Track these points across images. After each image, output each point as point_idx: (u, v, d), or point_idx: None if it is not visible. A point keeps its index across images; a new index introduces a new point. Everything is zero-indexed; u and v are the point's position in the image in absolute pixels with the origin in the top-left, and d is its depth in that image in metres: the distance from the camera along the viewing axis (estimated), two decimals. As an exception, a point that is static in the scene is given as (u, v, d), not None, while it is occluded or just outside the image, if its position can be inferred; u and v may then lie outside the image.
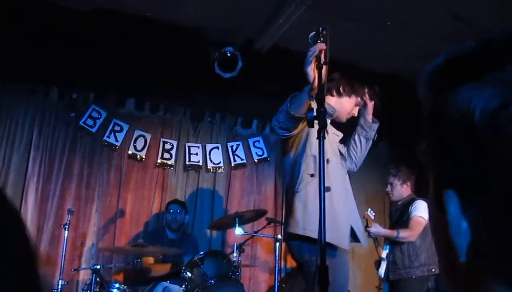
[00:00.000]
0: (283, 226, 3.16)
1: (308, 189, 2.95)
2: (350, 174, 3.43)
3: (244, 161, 6.17)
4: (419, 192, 4.82)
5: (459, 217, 0.53)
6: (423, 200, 4.59)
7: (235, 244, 4.90)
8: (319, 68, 2.52)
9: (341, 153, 3.30)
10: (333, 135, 3.27)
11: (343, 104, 3.30)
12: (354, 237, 3.15)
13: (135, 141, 5.79)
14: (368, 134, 3.38)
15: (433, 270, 4.47)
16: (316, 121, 2.29)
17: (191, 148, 6.00)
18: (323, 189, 2.14)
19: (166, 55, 5.44)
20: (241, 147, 6.18)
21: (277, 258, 4.75)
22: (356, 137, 3.41)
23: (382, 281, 4.90)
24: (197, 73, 5.58)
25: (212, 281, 4.31)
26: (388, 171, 4.94)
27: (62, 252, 4.53)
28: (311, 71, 2.54)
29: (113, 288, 4.42)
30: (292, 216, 2.98)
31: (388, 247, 4.73)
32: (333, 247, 2.88)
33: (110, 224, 5.60)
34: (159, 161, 5.86)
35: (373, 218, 4.64)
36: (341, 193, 3.06)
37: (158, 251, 4.84)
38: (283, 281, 5.58)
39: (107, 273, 5.25)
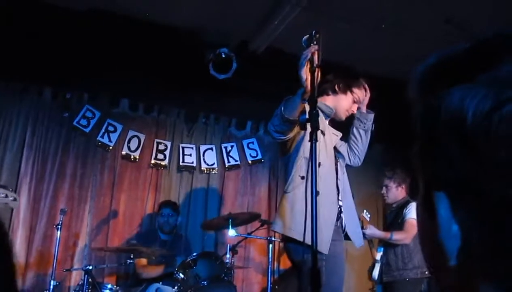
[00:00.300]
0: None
1: (296, 191, 2.97)
2: (355, 168, 3.50)
3: (238, 162, 6.16)
4: (413, 194, 4.83)
5: (449, 220, 0.52)
6: None
7: (228, 245, 4.89)
8: (312, 71, 2.52)
9: (340, 152, 3.31)
10: (332, 136, 3.26)
11: (339, 102, 3.30)
12: (347, 236, 3.17)
13: (128, 142, 5.77)
14: (366, 126, 3.39)
15: (426, 272, 4.48)
16: (308, 124, 2.29)
17: (185, 148, 5.99)
18: (315, 192, 2.14)
19: (161, 56, 5.43)
20: (235, 148, 6.17)
21: (270, 259, 4.75)
22: (355, 130, 3.42)
23: (375, 283, 4.90)
24: (192, 74, 5.57)
25: (205, 283, 4.30)
26: (383, 173, 4.95)
27: (55, 252, 4.51)
28: (304, 74, 2.54)
29: (105, 289, 4.41)
30: (279, 216, 3.04)
31: (382, 249, 4.73)
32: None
33: (103, 224, 5.58)
34: (152, 161, 5.85)
35: (368, 219, 4.65)
36: (332, 197, 3.07)
37: (151, 252, 4.82)
38: (276, 282, 5.57)
39: (99, 274, 5.24)
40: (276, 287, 5.45)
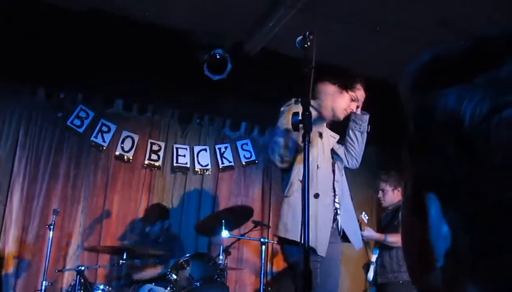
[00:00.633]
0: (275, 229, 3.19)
1: (296, 194, 2.97)
2: (353, 170, 3.51)
3: (232, 164, 6.16)
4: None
5: (440, 221, 0.52)
6: None
7: (221, 246, 4.89)
8: (307, 72, 2.53)
9: (338, 155, 3.31)
10: (330, 138, 3.26)
11: (336, 102, 3.30)
12: (345, 238, 3.17)
13: (122, 142, 5.76)
14: (361, 127, 3.38)
15: None
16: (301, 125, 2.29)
17: (179, 149, 5.98)
18: (307, 194, 2.14)
19: (156, 56, 5.42)
20: (229, 149, 6.17)
21: (263, 261, 4.74)
22: (351, 132, 3.42)
23: (370, 284, 4.91)
24: (186, 75, 5.57)
25: (198, 284, 4.29)
26: (376, 176, 4.95)
27: (47, 252, 4.49)
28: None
29: (98, 290, 4.39)
30: (280, 219, 3.05)
31: (377, 251, 4.74)
32: (314, 252, 2.89)
33: (96, 225, 5.57)
34: (146, 162, 5.83)
35: (366, 221, 4.65)
36: (328, 199, 3.07)
37: (144, 252, 4.81)
38: (269, 284, 5.57)
39: (92, 275, 5.22)
40: (269, 288, 5.45)
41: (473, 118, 0.49)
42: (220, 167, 6.12)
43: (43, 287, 4.34)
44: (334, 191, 3.15)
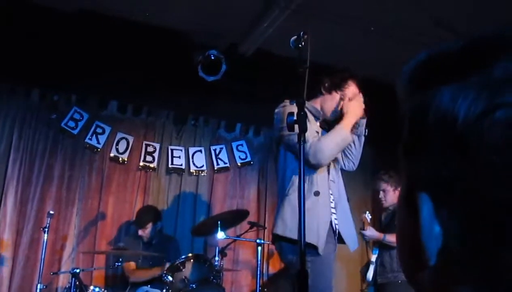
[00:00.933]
0: (272, 227, 3.16)
1: (295, 193, 2.95)
2: (350, 173, 3.51)
3: (227, 165, 6.15)
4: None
5: (431, 221, 0.52)
6: None
7: (217, 248, 4.87)
8: (301, 72, 2.53)
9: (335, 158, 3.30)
10: None
11: (326, 103, 3.28)
12: (340, 239, 3.16)
13: (117, 144, 5.74)
14: (358, 131, 3.36)
15: None
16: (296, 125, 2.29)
17: (174, 151, 5.97)
18: (303, 193, 2.14)
19: (150, 57, 5.41)
20: (224, 150, 6.16)
21: (259, 262, 4.73)
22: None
23: (368, 284, 4.90)
24: (181, 76, 5.56)
25: (194, 286, 4.28)
26: (372, 177, 4.95)
27: (42, 255, 4.47)
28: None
29: (93, 292, 4.37)
30: (280, 218, 3.01)
31: (377, 251, 4.73)
32: (314, 250, 2.88)
33: (91, 227, 5.54)
34: (141, 163, 5.82)
35: (369, 221, 4.65)
36: (328, 198, 3.07)
37: (139, 254, 4.80)
38: (266, 285, 5.57)
39: (87, 277, 5.20)
40: (265, 289, 5.44)
41: (467, 118, 0.48)
42: (215, 168, 6.11)
43: (38, 290, 4.32)
44: (329, 191, 3.15)
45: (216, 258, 4.71)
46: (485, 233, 0.48)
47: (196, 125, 6.16)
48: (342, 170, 3.41)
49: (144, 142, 5.88)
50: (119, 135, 5.76)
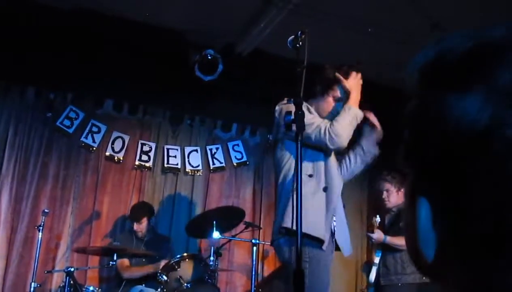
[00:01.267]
0: (274, 223, 3.10)
1: (305, 188, 2.92)
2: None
3: (223, 165, 6.14)
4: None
5: (428, 226, 0.52)
6: None
7: (212, 248, 4.87)
8: (299, 72, 2.53)
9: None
10: None
11: (319, 106, 3.25)
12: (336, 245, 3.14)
13: (113, 143, 5.72)
14: (365, 159, 3.32)
15: (424, 278, 4.45)
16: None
17: (169, 150, 5.95)
18: (300, 190, 2.13)
19: (146, 56, 5.41)
20: (220, 150, 6.15)
21: (254, 262, 4.73)
22: (352, 156, 3.34)
23: (370, 285, 4.87)
24: (177, 75, 5.55)
25: (188, 285, 4.28)
26: (367, 179, 4.93)
27: (36, 253, 4.45)
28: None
29: (87, 291, 4.36)
30: (285, 212, 2.94)
31: (380, 253, 4.71)
32: (319, 244, 2.87)
33: (86, 226, 5.52)
34: (137, 163, 5.80)
35: (377, 225, 4.64)
36: (335, 196, 3.05)
37: (133, 252, 4.80)
38: (260, 285, 5.56)
39: (81, 276, 5.18)
40: (260, 290, 5.43)
41: (472, 131, 0.48)
42: (211, 168, 6.10)
43: (32, 289, 4.30)
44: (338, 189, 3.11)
45: (211, 258, 4.70)
46: (482, 245, 0.48)
47: (192, 125, 6.15)
48: None
49: (140, 141, 5.86)
50: (115, 134, 5.74)
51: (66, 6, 5.02)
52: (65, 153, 5.56)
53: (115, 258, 4.46)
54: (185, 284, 4.27)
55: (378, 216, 4.68)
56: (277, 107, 3.13)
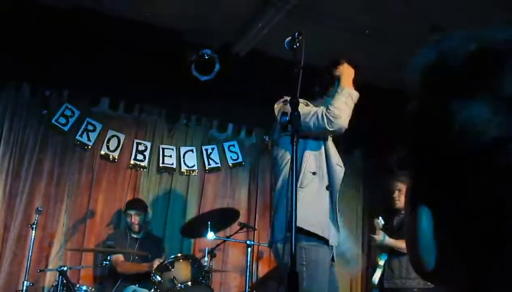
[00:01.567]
0: (273, 223, 3.07)
1: (311, 186, 2.93)
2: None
3: (219, 165, 6.12)
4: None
5: (429, 233, 0.51)
6: None
7: (207, 248, 4.85)
8: (296, 73, 2.52)
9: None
10: (330, 139, 3.16)
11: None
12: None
13: (108, 142, 5.70)
14: None
15: (429, 283, 4.41)
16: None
17: (165, 149, 5.93)
18: (295, 189, 2.12)
19: (143, 55, 5.38)
20: (216, 150, 6.13)
21: (248, 263, 4.72)
22: None
23: (374, 287, 4.84)
24: (174, 74, 5.53)
25: (182, 286, 4.26)
26: (361, 179, 4.92)
27: (29, 252, 4.42)
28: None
29: (80, 291, 4.34)
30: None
31: (386, 256, 4.69)
32: (316, 248, 2.85)
33: (80, 224, 5.50)
34: (132, 162, 5.78)
35: (381, 226, 4.63)
36: (336, 197, 3.04)
37: (127, 252, 4.78)
38: (254, 287, 5.54)
39: (74, 275, 5.16)
40: (254, 291, 5.42)
41: (479, 140, 0.46)
42: (207, 168, 6.09)
43: (25, 287, 4.27)
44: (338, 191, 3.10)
45: (205, 259, 4.69)
46: (485, 257, 0.47)
47: (188, 124, 6.13)
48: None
49: (135, 140, 5.84)
50: (110, 133, 5.72)
51: (64, 4, 5.00)
52: (60, 150, 5.53)
53: (108, 258, 4.44)
54: (179, 285, 4.25)
55: (381, 217, 4.67)
56: (276, 105, 3.10)
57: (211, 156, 6.11)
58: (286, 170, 3.02)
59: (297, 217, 2.85)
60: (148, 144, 5.86)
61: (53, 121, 5.47)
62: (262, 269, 5.99)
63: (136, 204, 5.25)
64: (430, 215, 0.51)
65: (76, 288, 4.28)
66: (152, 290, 4.31)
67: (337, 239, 2.97)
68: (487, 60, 0.49)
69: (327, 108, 2.86)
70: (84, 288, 4.40)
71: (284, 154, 3.06)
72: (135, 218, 5.12)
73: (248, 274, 4.67)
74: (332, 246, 3.03)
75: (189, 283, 4.29)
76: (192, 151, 6.03)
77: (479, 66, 0.49)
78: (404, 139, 0.55)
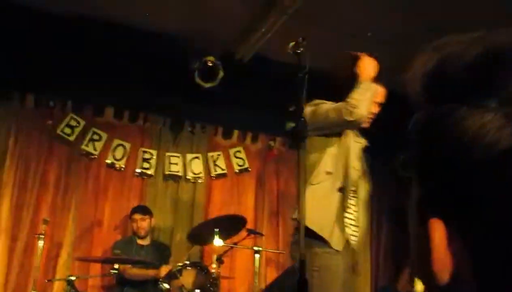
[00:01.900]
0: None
1: (323, 185, 2.89)
2: None
3: (225, 171, 6.11)
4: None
5: (443, 248, 0.49)
6: None
7: (214, 255, 4.83)
8: (300, 78, 2.51)
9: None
10: (355, 144, 3.10)
11: None
12: None
13: (113, 151, 5.70)
14: None
15: None
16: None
17: (170, 157, 5.93)
18: (302, 201, 2.11)
19: (146, 63, 5.39)
20: (221, 157, 6.13)
21: (256, 270, 4.70)
22: None
23: None
24: (177, 82, 5.53)
25: (191, 293, 4.25)
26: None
27: (36, 262, 4.42)
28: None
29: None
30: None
31: None
32: (324, 243, 2.80)
33: (87, 234, 5.50)
34: (138, 170, 5.78)
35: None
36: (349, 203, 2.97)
37: (134, 260, 4.78)
38: (263, 293, 5.52)
39: (82, 284, 5.15)
40: (263, 297, 5.40)
41: (492, 149, 0.45)
42: (213, 175, 6.08)
43: (33, 298, 4.28)
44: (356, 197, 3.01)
45: (213, 266, 4.67)
46: (501, 272, 0.45)
47: (193, 132, 6.13)
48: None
49: (141, 149, 5.84)
50: (116, 142, 5.72)
51: (67, 13, 5.02)
52: (65, 161, 5.54)
53: (116, 266, 4.43)
54: (187, 292, 4.24)
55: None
56: (307, 107, 3.02)
57: (217, 163, 6.10)
58: (309, 167, 2.97)
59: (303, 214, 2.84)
60: (154, 152, 5.86)
61: (58, 131, 5.48)
62: (270, 275, 5.96)
63: (141, 209, 5.29)
64: (443, 228, 0.49)
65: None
66: (161, 298, 4.30)
67: (342, 245, 2.86)
68: (494, 65, 0.47)
69: (346, 101, 2.86)
70: (92, 297, 4.40)
71: (308, 155, 3.01)
72: (141, 223, 5.16)
73: (256, 281, 4.65)
74: (352, 253, 2.96)
75: (198, 291, 4.28)
76: (197, 158, 6.03)
77: (487, 71, 0.47)
78: (412, 151, 0.53)
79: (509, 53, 0.47)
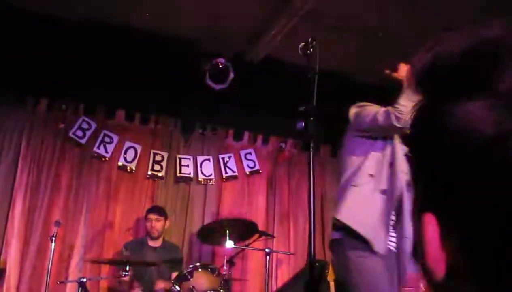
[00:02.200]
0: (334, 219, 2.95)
1: (366, 187, 2.86)
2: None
3: (236, 173, 6.12)
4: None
5: (437, 242, 0.49)
6: None
7: (225, 257, 4.83)
8: (310, 78, 2.50)
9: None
10: (401, 148, 3.01)
11: None
12: None
13: (125, 153, 5.73)
14: None
15: None
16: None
17: (182, 159, 5.94)
18: (313, 206, 2.09)
19: (157, 66, 5.41)
20: (232, 159, 6.13)
21: (267, 271, 4.69)
22: None
23: None
24: (188, 84, 5.55)
25: (202, 295, 4.24)
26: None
27: (49, 264, 4.45)
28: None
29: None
30: (346, 206, 2.85)
31: None
32: (367, 246, 2.75)
33: (98, 236, 5.52)
34: (149, 172, 5.80)
35: None
36: (392, 206, 2.89)
37: (145, 262, 4.79)
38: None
39: (94, 286, 5.17)
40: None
41: (478, 140, 0.45)
42: (224, 177, 6.08)
43: (45, 300, 4.30)
44: (401, 199, 2.92)
45: (224, 267, 4.67)
46: (493, 257, 0.45)
47: (204, 133, 6.14)
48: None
49: (152, 151, 5.86)
50: (127, 144, 5.75)
51: (77, 17, 5.05)
52: (77, 163, 5.57)
53: (127, 268, 4.43)
54: (198, 294, 4.23)
55: None
56: (352, 109, 3.02)
57: (228, 164, 6.11)
58: (347, 172, 2.96)
59: (345, 214, 2.82)
60: (165, 154, 5.88)
61: (70, 134, 5.52)
62: (282, 277, 5.95)
63: (157, 210, 5.31)
64: (435, 222, 0.49)
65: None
66: (172, 300, 4.30)
67: (384, 249, 2.77)
68: (481, 57, 0.48)
69: (394, 106, 2.84)
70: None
71: (347, 156, 3.01)
72: (155, 223, 5.18)
73: (267, 283, 4.64)
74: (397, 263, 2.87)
75: (209, 293, 4.28)
76: (208, 160, 6.04)
77: (473, 63, 0.48)
78: (410, 146, 0.54)
79: (496, 45, 0.48)
